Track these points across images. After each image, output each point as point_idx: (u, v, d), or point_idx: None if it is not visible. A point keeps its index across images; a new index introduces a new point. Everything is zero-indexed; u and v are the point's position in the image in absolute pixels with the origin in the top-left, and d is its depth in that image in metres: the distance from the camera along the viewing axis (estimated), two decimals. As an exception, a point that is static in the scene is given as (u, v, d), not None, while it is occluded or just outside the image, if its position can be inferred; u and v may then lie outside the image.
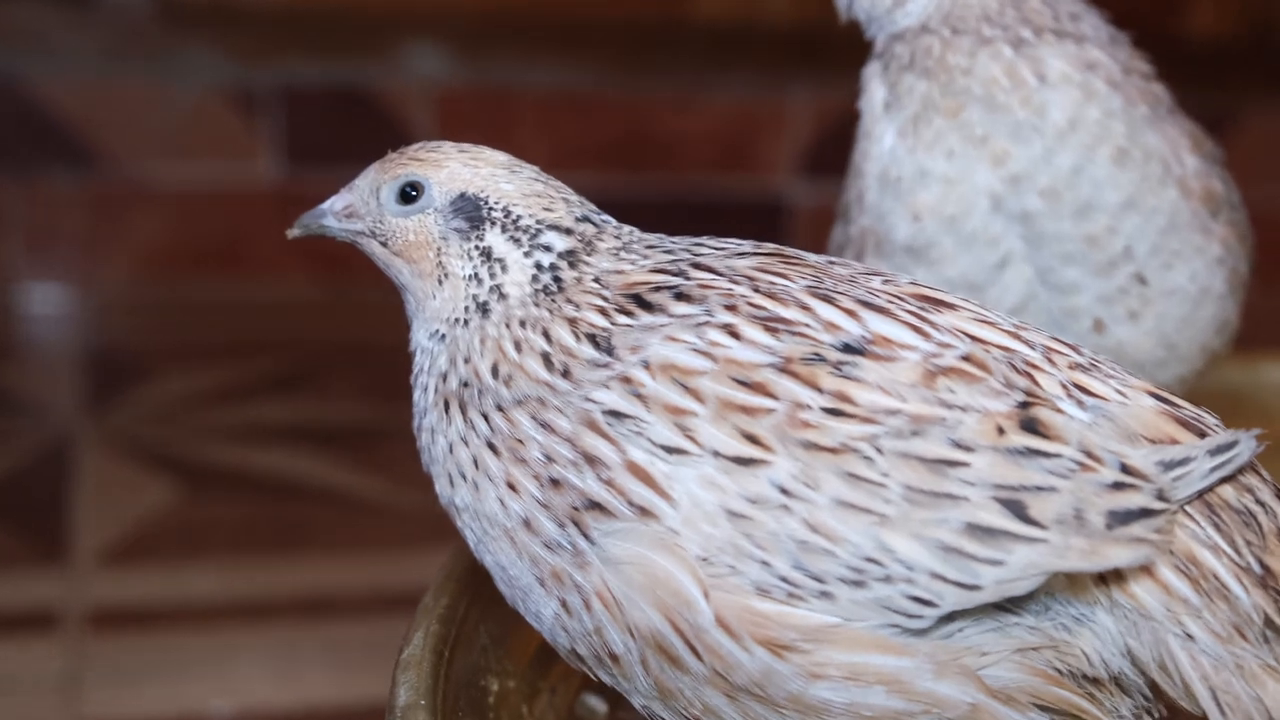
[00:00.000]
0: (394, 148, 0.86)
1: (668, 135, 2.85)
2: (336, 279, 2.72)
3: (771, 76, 2.88)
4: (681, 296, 0.80)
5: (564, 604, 0.79)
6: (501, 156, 0.86)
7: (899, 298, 0.80)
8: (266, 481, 2.09)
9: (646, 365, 0.78)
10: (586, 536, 0.77)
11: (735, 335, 0.77)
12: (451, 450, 0.82)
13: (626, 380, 0.78)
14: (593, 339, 0.80)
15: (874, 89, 1.08)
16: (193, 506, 2.01)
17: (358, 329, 2.56)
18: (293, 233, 0.88)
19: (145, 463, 2.11)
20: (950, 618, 0.75)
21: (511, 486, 0.79)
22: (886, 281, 0.82)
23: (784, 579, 0.74)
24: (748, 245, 0.84)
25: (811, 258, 0.83)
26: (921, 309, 0.79)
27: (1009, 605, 0.76)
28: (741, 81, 2.87)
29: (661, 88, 2.84)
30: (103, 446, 2.15)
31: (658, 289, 0.81)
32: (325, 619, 1.80)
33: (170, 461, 2.12)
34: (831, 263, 0.83)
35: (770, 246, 0.84)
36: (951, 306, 0.80)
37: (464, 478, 0.81)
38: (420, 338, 0.85)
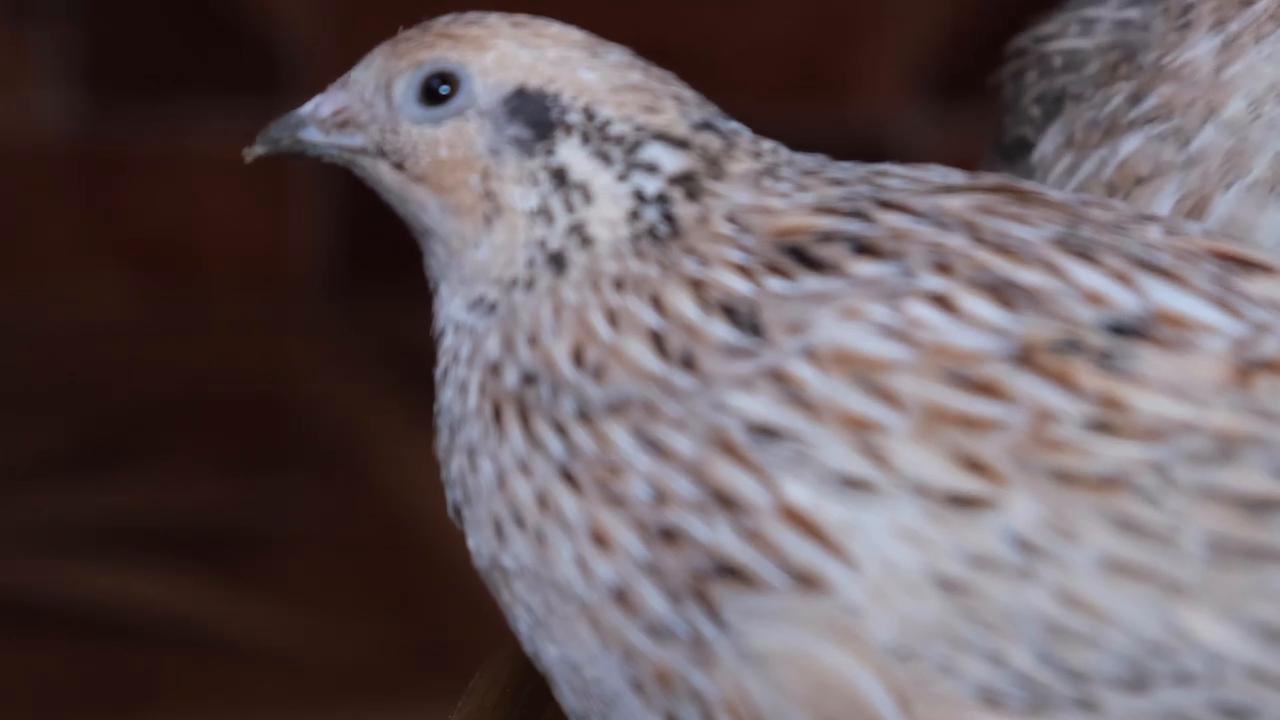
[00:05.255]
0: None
1: (708, 46, 2.90)
2: (172, 285, 2.74)
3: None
4: (865, 250, 0.83)
5: (671, 721, 0.82)
6: (576, 33, 0.89)
7: (1191, 255, 0.84)
8: (78, 612, 2.10)
9: (812, 353, 0.81)
10: (715, 618, 0.80)
11: (949, 308, 0.81)
12: (502, 481, 0.85)
13: (781, 376, 0.81)
14: (729, 312, 0.83)
15: None
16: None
17: (208, 368, 2.57)
18: (253, 151, 0.91)
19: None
20: (1276, 739, 0.79)
21: (599, 539, 0.82)
22: (1169, 232, 0.86)
23: (1025, 679, 0.78)
24: (958, 175, 0.88)
25: (1056, 195, 0.87)
26: (1225, 272, 0.83)
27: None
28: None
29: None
30: None
31: (827, 237, 0.84)
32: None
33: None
34: (1085, 203, 0.87)
35: (993, 178, 0.88)
36: (1267, 269, 0.84)
37: (520, 524, 0.84)
38: (454, 310, 0.88)
